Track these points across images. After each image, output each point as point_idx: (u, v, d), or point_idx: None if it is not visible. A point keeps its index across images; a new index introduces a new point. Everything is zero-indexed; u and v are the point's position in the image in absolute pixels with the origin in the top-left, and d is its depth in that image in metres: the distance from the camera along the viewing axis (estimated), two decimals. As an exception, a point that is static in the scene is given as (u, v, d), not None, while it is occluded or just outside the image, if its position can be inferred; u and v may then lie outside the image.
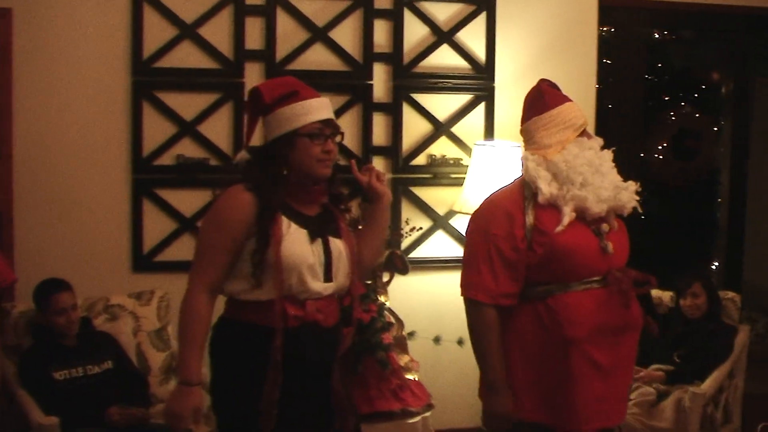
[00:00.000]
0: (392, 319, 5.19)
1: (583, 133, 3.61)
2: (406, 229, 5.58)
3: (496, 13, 5.85)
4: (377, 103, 5.71)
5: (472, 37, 5.83)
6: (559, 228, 3.42)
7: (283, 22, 5.55)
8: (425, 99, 5.79)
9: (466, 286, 3.54)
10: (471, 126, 5.78)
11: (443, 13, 5.79)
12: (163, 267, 5.45)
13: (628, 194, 3.55)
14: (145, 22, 5.37)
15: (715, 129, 7.58)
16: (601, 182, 3.49)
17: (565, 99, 3.65)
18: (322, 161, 3.26)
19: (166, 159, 5.45)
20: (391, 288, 5.24)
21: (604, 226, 3.51)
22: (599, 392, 3.45)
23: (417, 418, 4.99)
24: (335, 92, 5.55)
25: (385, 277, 5.21)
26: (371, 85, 5.70)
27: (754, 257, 7.42)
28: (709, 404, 5.25)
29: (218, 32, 5.47)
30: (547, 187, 3.48)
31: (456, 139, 5.81)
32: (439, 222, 5.78)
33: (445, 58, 5.81)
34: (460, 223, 5.63)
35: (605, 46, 6.41)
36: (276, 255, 3.15)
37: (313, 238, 3.26)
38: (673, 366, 5.41)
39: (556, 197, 3.47)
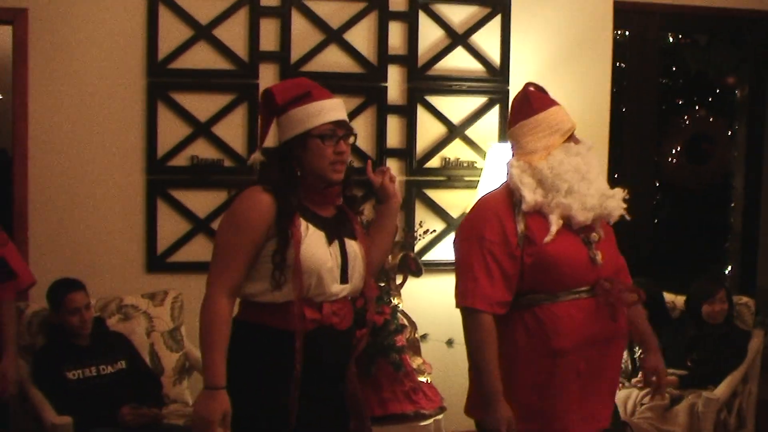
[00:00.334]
0: (405, 322, 5.18)
1: (571, 138, 3.52)
2: (419, 231, 5.58)
3: (510, 16, 5.85)
4: (392, 105, 5.72)
5: (487, 39, 5.83)
6: (548, 238, 3.35)
7: (298, 23, 5.57)
8: (439, 101, 5.79)
9: (461, 295, 3.44)
10: (485, 129, 5.78)
11: (458, 16, 5.79)
12: (177, 267, 5.47)
13: (614, 202, 3.46)
14: (161, 24, 5.38)
15: (729, 133, 7.57)
16: (587, 190, 3.40)
17: (552, 103, 3.56)
18: (335, 164, 3.24)
19: (181, 160, 5.46)
20: (405, 290, 5.23)
21: (594, 236, 3.44)
22: (577, 399, 3.39)
23: (430, 421, 4.98)
24: (350, 94, 5.55)
25: (399, 280, 5.21)
26: (386, 87, 5.70)
27: (767, 262, 7.40)
28: (723, 409, 5.24)
29: (233, 33, 5.49)
30: (531, 195, 3.40)
31: (470, 142, 5.81)
32: (453, 225, 5.76)
33: (459, 60, 5.81)
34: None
35: (620, 50, 6.41)
36: (296, 257, 3.14)
37: (330, 240, 3.25)
38: (687, 370, 5.40)
39: (541, 204, 3.40)
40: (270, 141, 3.42)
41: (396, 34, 5.71)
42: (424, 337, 5.31)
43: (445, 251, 5.75)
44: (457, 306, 3.46)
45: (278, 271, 3.15)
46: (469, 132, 5.81)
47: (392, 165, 5.68)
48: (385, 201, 3.48)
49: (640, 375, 5.35)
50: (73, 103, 5.32)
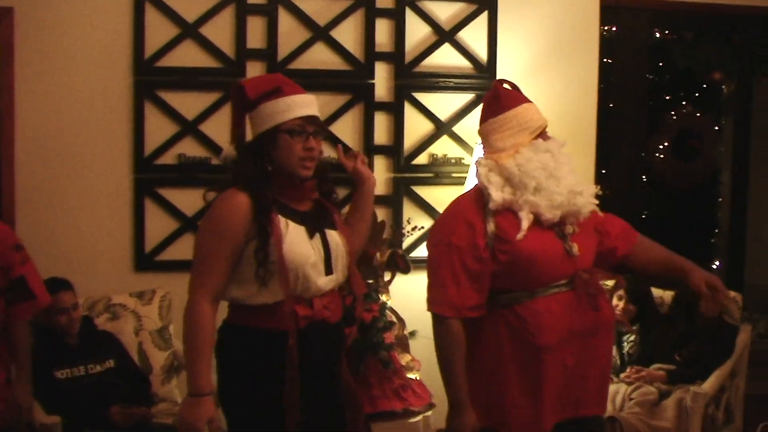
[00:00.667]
0: (394, 319, 5.19)
1: (542, 135, 3.49)
2: (407, 228, 5.59)
3: (497, 13, 5.85)
4: (379, 102, 5.72)
5: (474, 36, 5.84)
6: (520, 235, 3.33)
7: (285, 21, 5.56)
8: (427, 98, 5.79)
9: (430, 301, 3.45)
10: (472, 125, 5.75)
11: (445, 13, 5.80)
12: (165, 266, 5.46)
13: (583, 199, 3.42)
14: (147, 22, 5.37)
15: (716, 129, 7.59)
16: (555, 187, 3.37)
17: (523, 100, 3.52)
18: (303, 160, 3.23)
19: (168, 158, 5.46)
20: (393, 287, 5.24)
21: (568, 228, 3.41)
22: (559, 389, 3.39)
23: (419, 418, 5.00)
24: (337, 91, 5.56)
25: (387, 277, 5.22)
26: (373, 84, 5.70)
27: (755, 257, 7.43)
28: (711, 404, 5.25)
29: (220, 31, 5.48)
30: (497, 193, 3.38)
31: (458, 139, 5.82)
32: (441, 221, 5.77)
33: (446, 57, 5.82)
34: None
35: (607, 46, 6.42)
36: (279, 255, 3.13)
37: (311, 234, 3.25)
38: (675, 365, 5.41)
39: (510, 202, 3.38)
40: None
41: (383, 31, 5.71)
42: (412, 334, 5.31)
43: (433, 248, 5.75)
44: (428, 310, 3.46)
45: (262, 268, 3.14)
46: (457, 128, 5.82)
47: (380, 162, 5.68)
48: (360, 185, 3.50)
49: (628, 370, 5.39)
50: (59, 103, 5.31)
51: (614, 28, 6.59)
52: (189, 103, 5.46)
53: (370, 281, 5.03)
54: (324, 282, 3.25)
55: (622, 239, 3.64)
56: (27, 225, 5.24)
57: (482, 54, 5.83)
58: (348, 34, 5.66)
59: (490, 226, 3.37)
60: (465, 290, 3.37)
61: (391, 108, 5.74)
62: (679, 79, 8.17)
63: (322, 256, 3.25)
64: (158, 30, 5.39)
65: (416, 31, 5.76)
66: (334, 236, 3.30)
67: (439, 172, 5.79)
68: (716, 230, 7.55)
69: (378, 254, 5.13)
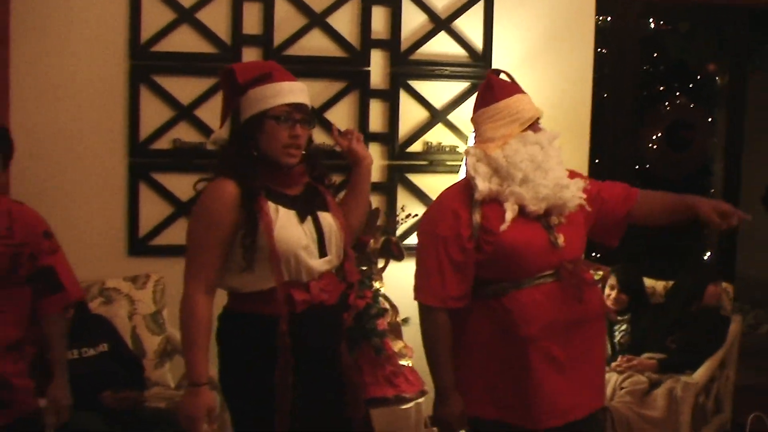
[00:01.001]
0: (387, 306, 5.20)
1: (534, 126, 3.49)
2: (401, 215, 5.60)
3: (493, 1, 5.84)
4: (374, 89, 5.72)
5: (470, 24, 5.84)
6: (504, 226, 3.34)
7: (281, 7, 5.55)
8: (422, 86, 5.79)
9: (416, 290, 3.49)
10: (467, 114, 5.69)
11: (441, 1, 5.79)
12: (159, 251, 5.46)
13: (570, 192, 3.42)
14: (143, 6, 5.36)
15: (710, 120, 7.61)
16: (542, 179, 3.38)
17: (515, 91, 3.53)
18: (288, 147, 3.22)
19: (163, 143, 5.46)
20: (386, 274, 5.25)
21: (553, 219, 3.42)
22: (558, 387, 3.39)
23: (411, 404, 5.01)
24: (332, 78, 5.57)
25: (381, 264, 5.23)
26: (368, 71, 5.70)
27: (746, 248, 7.45)
28: (701, 394, 5.29)
29: (216, 17, 5.47)
30: (484, 184, 3.39)
31: (452, 127, 5.82)
32: (435, 209, 5.78)
33: (442, 45, 5.82)
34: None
35: (601, 36, 6.42)
36: (269, 241, 3.13)
37: (302, 217, 3.24)
38: (667, 353, 5.44)
39: (496, 193, 3.40)
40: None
41: (379, 18, 5.71)
42: (405, 321, 5.32)
43: (426, 236, 5.76)
44: (414, 299, 3.51)
45: (249, 254, 3.14)
46: (452, 117, 5.82)
47: (374, 149, 5.68)
48: (357, 164, 3.49)
49: (619, 359, 5.41)
50: (54, 87, 5.30)
51: (608, 18, 6.60)
52: (184, 89, 5.45)
53: (364, 268, 5.04)
54: (318, 264, 3.25)
55: (622, 201, 3.64)
56: (21, 208, 5.24)
57: (478, 43, 5.84)
58: (344, 21, 5.66)
59: (476, 217, 3.39)
60: (449, 280, 3.39)
61: (387, 95, 5.74)
62: (673, 70, 8.19)
63: (314, 239, 3.25)
64: (154, 15, 5.39)
65: (412, 19, 5.76)
66: (326, 218, 3.30)
67: (434, 160, 5.80)
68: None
69: (372, 241, 5.15)
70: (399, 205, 5.69)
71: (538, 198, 3.37)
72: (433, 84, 5.80)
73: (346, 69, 5.67)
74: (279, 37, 5.56)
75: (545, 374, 3.38)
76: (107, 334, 4.82)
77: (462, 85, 5.85)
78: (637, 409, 5.16)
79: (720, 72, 7.50)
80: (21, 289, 3.88)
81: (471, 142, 5.43)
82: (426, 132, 5.80)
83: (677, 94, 7.98)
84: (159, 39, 5.41)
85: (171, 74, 5.45)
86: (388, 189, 5.72)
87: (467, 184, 3.48)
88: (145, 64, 5.40)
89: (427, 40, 5.79)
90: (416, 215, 5.65)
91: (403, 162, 5.75)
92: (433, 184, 5.73)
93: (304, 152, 3.31)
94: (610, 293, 5.60)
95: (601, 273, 3.56)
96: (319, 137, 5.47)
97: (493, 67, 5.72)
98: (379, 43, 5.72)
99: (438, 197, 3.59)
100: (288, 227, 3.19)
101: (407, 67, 5.75)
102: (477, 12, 5.82)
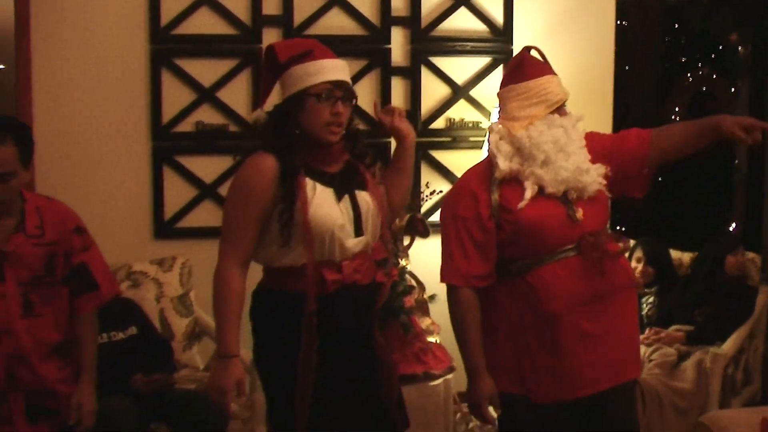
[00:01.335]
0: (413, 283, 5.20)
1: (560, 110, 3.48)
2: (426, 192, 5.59)
3: (513, -24, 5.82)
4: (395, 67, 5.71)
5: (490, -1, 5.82)
6: (522, 204, 3.35)
7: (300, -14, 5.56)
8: (443, 62, 5.78)
9: (442, 272, 3.50)
10: (489, 89, 5.76)
11: (460, -24, 5.78)
12: (185, 233, 5.50)
13: (590, 177, 3.40)
14: (163, -10, 5.38)
15: (732, 90, 7.57)
16: (564, 162, 3.37)
17: (546, 71, 3.51)
18: (330, 125, 3.22)
19: (186, 126, 5.47)
20: (412, 252, 5.25)
21: (572, 193, 3.40)
22: (586, 358, 3.39)
23: (439, 381, 5.02)
24: (353, 57, 5.52)
25: (406, 241, 5.23)
26: (389, 49, 5.69)
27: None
28: (730, 365, 5.27)
29: (235, -2, 5.49)
30: (505, 163, 3.39)
31: (475, 103, 5.81)
32: (459, 186, 5.77)
33: (463, 21, 5.79)
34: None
35: (622, 8, 6.38)
36: (304, 219, 3.14)
37: (340, 196, 3.25)
38: (694, 325, 5.42)
39: (516, 172, 3.40)
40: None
41: (399, -5, 5.70)
42: (432, 298, 5.32)
43: (451, 213, 5.76)
44: (441, 281, 3.52)
45: (286, 230, 3.15)
46: (474, 92, 5.80)
47: (397, 127, 5.66)
48: (400, 141, 3.46)
49: (647, 332, 5.40)
50: (76, 73, 5.33)
51: (630, -10, 6.56)
52: (206, 71, 5.46)
53: (390, 246, 5.03)
54: (353, 244, 3.25)
55: (637, 150, 3.54)
56: (46, 193, 5.21)
57: (498, 17, 5.81)
58: (364, -1, 5.66)
59: (495, 197, 3.40)
60: (473, 260, 3.41)
61: (408, 73, 5.73)
62: (695, 42, 8.14)
63: (351, 218, 3.25)
64: (173, -2, 5.41)
65: (432, -5, 5.75)
66: (364, 197, 3.30)
67: (457, 136, 5.78)
68: (733, 192, 7.53)
69: (397, 219, 5.14)
70: (423, 182, 5.68)
71: (558, 180, 3.37)
72: (454, 60, 5.78)
73: (366, 47, 5.66)
74: (299, 17, 5.55)
75: (573, 347, 3.38)
76: (136, 318, 4.84)
77: (483, 61, 5.82)
78: (667, 381, 5.15)
79: (742, 42, 7.44)
80: (58, 289, 3.77)
81: (494, 116, 5.44)
82: (448, 108, 5.78)
83: (699, 65, 7.92)
84: (179, 22, 5.41)
85: (192, 57, 5.46)
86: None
87: (488, 163, 3.49)
88: (166, 47, 5.42)
89: (447, 16, 5.76)
90: (441, 192, 5.64)
91: (427, 139, 5.74)
92: (457, 161, 5.72)
93: (345, 130, 3.30)
94: (636, 266, 5.57)
95: (622, 245, 3.52)
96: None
97: (515, 41, 5.74)
98: (399, 21, 5.70)
99: (459, 179, 3.61)
100: (324, 205, 3.19)
101: (428, 43, 5.73)
102: (497, -14, 5.80)
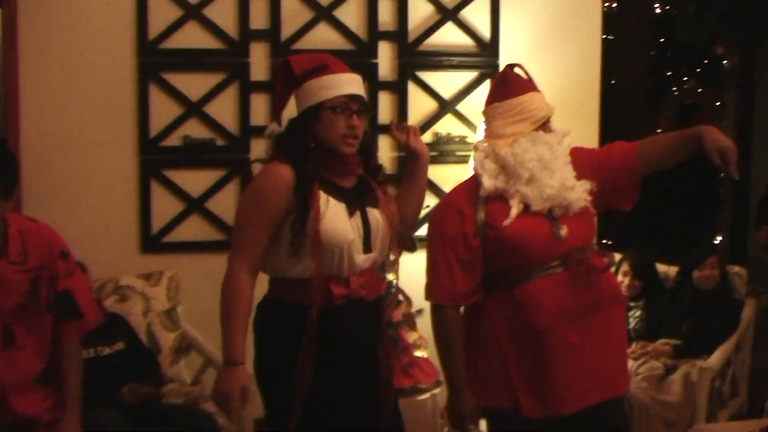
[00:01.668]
0: (401, 297, 5.21)
1: (544, 126, 3.49)
2: (413, 206, 5.60)
3: (500, -10, 5.84)
4: (383, 81, 5.71)
5: (477, 14, 5.82)
6: (507, 221, 3.37)
7: (288, 1, 5.54)
8: (430, 77, 5.79)
9: (426, 290, 3.52)
10: (476, 103, 5.77)
11: (447, -10, 5.80)
12: (172, 247, 5.48)
13: (575, 194, 3.41)
14: (150, 4, 5.36)
15: (718, 102, 7.60)
16: (548, 179, 3.38)
17: (530, 88, 3.51)
18: (346, 137, 3.25)
19: (173, 140, 5.46)
20: (399, 265, 5.25)
21: (556, 210, 3.41)
22: (574, 373, 3.40)
23: (427, 395, 5.03)
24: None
25: (394, 255, 5.22)
26: (376, 63, 5.70)
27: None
28: (717, 378, 5.29)
29: (223, 12, 5.47)
30: (490, 181, 3.41)
31: (461, 117, 5.82)
32: (446, 199, 5.78)
33: (450, 35, 5.80)
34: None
35: (608, 22, 6.41)
36: (315, 231, 3.17)
37: (351, 211, 3.27)
38: (681, 338, 5.44)
39: (502, 190, 3.42)
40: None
41: (386, 10, 5.70)
42: (419, 312, 5.32)
43: (438, 226, 5.76)
44: (425, 299, 3.55)
45: (297, 239, 3.17)
46: (460, 107, 5.82)
47: (384, 141, 5.67)
48: (415, 160, 3.51)
49: (634, 345, 5.41)
50: (64, 86, 5.31)
51: (615, 4, 6.58)
52: (193, 85, 5.46)
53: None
54: (361, 260, 3.28)
55: (624, 162, 3.55)
56: (33, 207, 5.24)
57: (485, 32, 5.82)
58: (351, 14, 5.65)
59: (480, 214, 3.42)
60: (458, 279, 3.42)
61: (395, 87, 5.74)
62: (681, 54, 8.17)
63: (361, 234, 3.27)
64: (161, 12, 5.39)
65: (419, 10, 5.75)
66: (375, 214, 3.33)
67: (444, 151, 5.79)
68: (720, 204, 7.56)
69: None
70: (410, 196, 5.68)
71: (543, 198, 3.39)
72: (441, 74, 5.79)
73: (354, 61, 5.58)
74: (286, 31, 5.55)
75: (561, 361, 3.39)
76: (123, 332, 4.83)
77: (470, 75, 5.84)
78: (654, 394, 5.17)
79: (728, 54, 7.48)
80: (41, 316, 3.58)
81: (481, 131, 5.45)
82: (435, 123, 5.79)
83: (685, 78, 7.96)
84: (167, 36, 5.41)
85: (180, 71, 5.45)
86: (398, 181, 5.71)
87: (475, 181, 3.50)
88: (154, 61, 5.41)
89: (435, 31, 5.77)
90: (428, 206, 5.60)
91: (414, 153, 5.74)
92: (444, 175, 5.72)
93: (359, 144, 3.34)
94: (623, 279, 5.60)
95: (607, 260, 3.54)
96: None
97: (501, 56, 5.75)
98: (386, 35, 5.72)
99: (445, 195, 3.64)
100: (336, 220, 3.22)
101: (415, 58, 5.74)
102: (483, 1, 5.81)
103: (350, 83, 3.31)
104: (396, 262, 5.15)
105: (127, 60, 5.38)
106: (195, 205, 5.50)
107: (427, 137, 5.76)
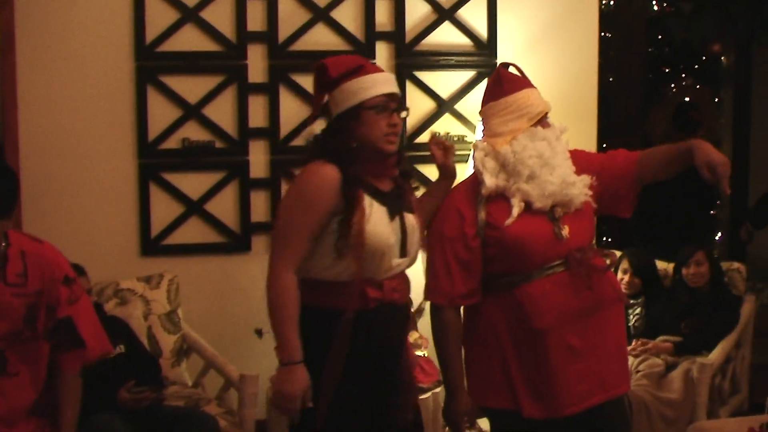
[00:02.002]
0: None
1: (542, 121, 3.50)
2: (412, 207, 5.60)
3: (496, -11, 5.84)
4: (381, 81, 5.70)
5: (474, 14, 5.82)
6: (509, 221, 3.38)
7: (285, 3, 5.55)
8: (428, 77, 5.79)
9: (426, 290, 3.53)
10: (474, 103, 5.74)
11: (444, -10, 5.80)
12: (172, 250, 5.49)
13: (576, 189, 3.44)
14: (147, 7, 5.36)
15: (716, 100, 7.60)
16: (549, 176, 3.40)
17: (525, 85, 3.53)
18: (388, 135, 3.27)
19: (172, 143, 5.46)
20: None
21: (558, 210, 3.43)
22: (574, 374, 3.41)
23: (428, 395, 5.03)
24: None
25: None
26: (374, 64, 5.69)
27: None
28: (717, 375, 5.29)
29: (220, 15, 5.48)
30: (491, 179, 3.42)
31: (460, 116, 5.82)
32: (445, 199, 5.78)
33: (447, 35, 5.81)
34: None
35: (605, 20, 6.41)
36: (360, 233, 3.17)
37: (392, 215, 3.28)
38: (681, 336, 5.45)
39: (503, 189, 3.43)
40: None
41: (383, 11, 5.70)
42: (419, 311, 5.33)
43: (437, 226, 5.77)
44: (424, 299, 3.59)
45: (343, 241, 3.17)
46: (458, 106, 5.82)
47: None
48: (445, 178, 3.59)
49: (634, 343, 5.41)
50: (62, 90, 5.32)
51: (612, 2, 6.59)
52: (191, 88, 5.46)
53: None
54: (397, 264, 3.30)
55: (625, 170, 3.59)
56: (32, 212, 5.25)
57: (482, 31, 5.83)
58: (348, 15, 5.65)
59: (481, 215, 3.43)
60: (457, 280, 3.43)
61: (393, 87, 5.73)
62: (678, 52, 8.17)
63: (399, 239, 3.28)
64: (158, 15, 5.39)
65: (416, 10, 5.75)
66: (411, 220, 3.34)
67: (442, 150, 5.79)
68: (718, 202, 7.56)
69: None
70: (409, 196, 5.69)
71: (545, 195, 3.40)
72: (438, 74, 5.80)
73: (352, 62, 5.66)
74: (284, 33, 5.56)
75: (562, 362, 3.40)
76: (123, 336, 4.83)
77: (468, 75, 5.84)
78: (654, 391, 5.16)
79: (725, 52, 7.49)
80: (38, 345, 3.40)
81: (479, 130, 5.45)
82: (433, 122, 5.80)
83: (683, 75, 7.96)
84: (164, 39, 5.41)
85: (177, 74, 5.45)
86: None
87: (474, 180, 3.51)
88: (151, 64, 5.41)
89: (432, 31, 5.78)
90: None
91: (412, 153, 5.72)
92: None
93: None
94: (623, 277, 5.60)
95: (609, 260, 3.55)
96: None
97: (499, 55, 5.75)
98: (383, 36, 5.72)
99: (446, 196, 3.61)
100: (379, 224, 3.23)
101: (412, 58, 5.74)
102: (480, 1, 5.81)
103: (387, 82, 3.33)
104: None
105: (124, 63, 5.38)
106: (194, 208, 5.50)
107: (425, 137, 5.76)
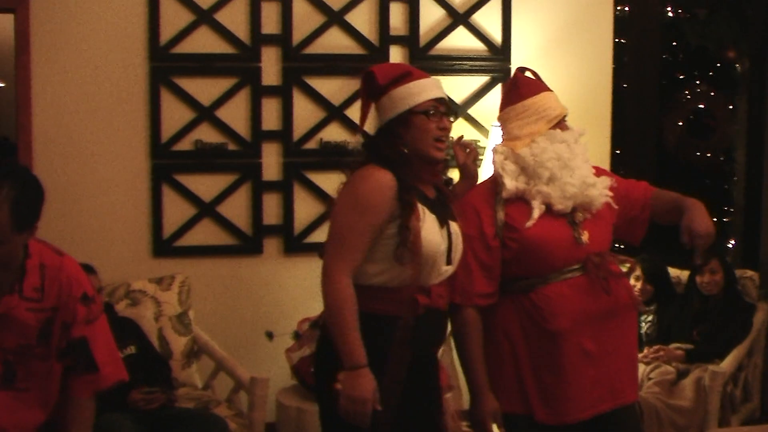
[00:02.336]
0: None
1: (560, 124, 3.52)
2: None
3: (511, -6, 5.84)
4: (394, 85, 5.70)
5: (488, 18, 5.83)
6: (529, 223, 3.38)
7: (299, 5, 5.57)
8: (442, 81, 5.67)
9: None
10: (488, 107, 5.78)
11: (459, -5, 5.80)
12: (183, 252, 5.50)
13: (596, 191, 3.45)
14: (162, 8, 5.39)
15: (730, 107, 7.57)
16: (569, 178, 3.40)
17: (541, 89, 3.56)
18: (438, 140, 3.27)
19: (185, 144, 5.48)
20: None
21: (578, 216, 3.43)
22: (588, 380, 3.41)
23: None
24: (352, 76, 5.55)
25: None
26: (388, 67, 5.69)
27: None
28: (729, 383, 5.27)
29: (235, 17, 5.49)
30: (511, 182, 3.43)
31: (473, 121, 5.82)
32: (457, 204, 5.78)
33: (461, 40, 5.81)
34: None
35: (619, 26, 6.39)
36: (416, 241, 3.16)
37: (442, 223, 3.28)
38: (693, 344, 5.43)
39: (522, 191, 3.43)
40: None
41: (397, 14, 5.70)
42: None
43: (449, 230, 5.76)
44: None
45: (403, 247, 3.15)
46: (472, 111, 5.82)
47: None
48: (467, 179, 3.62)
49: (646, 350, 5.40)
50: (76, 90, 5.34)
51: (627, 8, 6.56)
52: (205, 89, 5.48)
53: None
54: (444, 270, 3.29)
55: (643, 200, 3.64)
56: (45, 212, 5.16)
57: (497, 36, 5.83)
58: (362, 18, 5.66)
59: (500, 215, 3.43)
60: (476, 279, 3.42)
61: (406, 91, 5.73)
62: (693, 58, 8.13)
63: (446, 246, 3.27)
64: (173, 16, 5.42)
65: (430, 14, 5.76)
66: (455, 228, 3.34)
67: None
68: (731, 209, 7.53)
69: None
70: (422, 200, 5.68)
71: (565, 197, 3.40)
72: (453, 79, 5.78)
73: (365, 66, 5.56)
74: (298, 35, 5.57)
75: (576, 367, 3.39)
76: (134, 337, 4.84)
77: (482, 79, 5.84)
78: (666, 399, 5.15)
79: (740, 58, 7.45)
80: (50, 364, 3.22)
81: (493, 135, 5.45)
82: (447, 127, 5.78)
83: (697, 81, 7.93)
84: (178, 41, 5.43)
85: (191, 75, 5.47)
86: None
87: (493, 182, 3.51)
88: (165, 65, 5.43)
89: (446, 35, 5.78)
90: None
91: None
92: (457, 178, 5.71)
93: None
94: (635, 284, 5.58)
95: (628, 265, 3.55)
96: (337, 133, 5.51)
97: (513, 60, 5.75)
98: (397, 39, 5.72)
99: (464, 197, 3.60)
100: (432, 231, 3.22)
101: (427, 62, 5.72)
102: (495, 5, 5.82)
103: (435, 87, 3.34)
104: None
105: (139, 65, 5.40)
106: (206, 210, 5.51)
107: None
